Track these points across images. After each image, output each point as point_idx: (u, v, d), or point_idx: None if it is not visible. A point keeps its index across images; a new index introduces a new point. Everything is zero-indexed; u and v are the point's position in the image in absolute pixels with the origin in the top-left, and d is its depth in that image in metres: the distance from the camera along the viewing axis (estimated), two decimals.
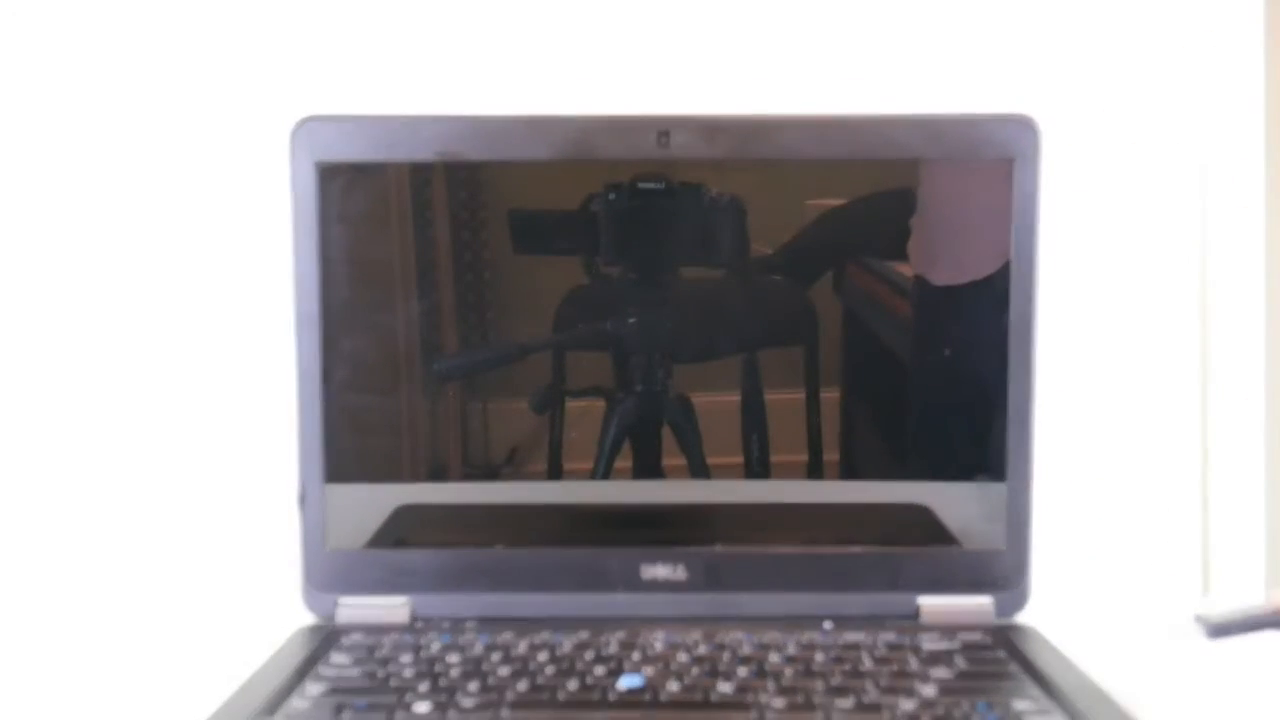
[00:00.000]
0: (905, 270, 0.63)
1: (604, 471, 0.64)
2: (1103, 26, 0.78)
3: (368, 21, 0.78)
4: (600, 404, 0.63)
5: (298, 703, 0.51)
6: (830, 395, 0.63)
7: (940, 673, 0.54)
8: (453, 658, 0.56)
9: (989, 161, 0.60)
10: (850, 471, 0.64)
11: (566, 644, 0.58)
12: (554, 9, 0.78)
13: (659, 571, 0.62)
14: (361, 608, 0.62)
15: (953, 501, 0.62)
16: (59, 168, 0.78)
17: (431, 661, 0.56)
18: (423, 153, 0.61)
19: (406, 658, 0.56)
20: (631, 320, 0.63)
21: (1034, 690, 0.52)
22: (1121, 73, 0.78)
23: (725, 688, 0.52)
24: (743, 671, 0.54)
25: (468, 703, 0.51)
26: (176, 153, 0.78)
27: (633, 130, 0.61)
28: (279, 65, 0.77)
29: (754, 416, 0.64)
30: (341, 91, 0.76)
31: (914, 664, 0.55)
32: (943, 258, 0.62)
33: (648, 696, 0.51)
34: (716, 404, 0.64)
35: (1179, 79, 0.78)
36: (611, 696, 0.51)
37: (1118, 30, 0.78)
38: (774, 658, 0.56)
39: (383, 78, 0.77)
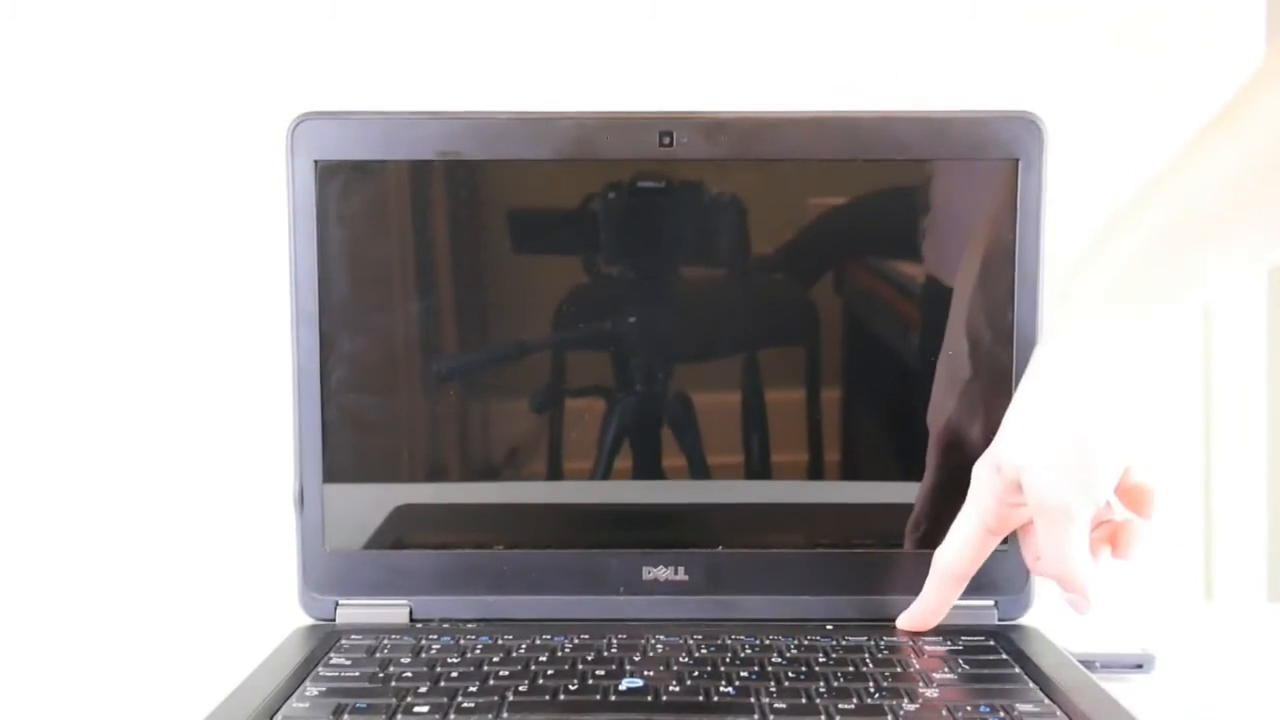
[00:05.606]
0: (907, 269, 0.62)
1: (604, 472, 0.63)
2: (1109, 24, 0.78)
3: (368, 19, 0.77)
4: (600, 404, 0.63)
5: (297, 704, 0.51)
6: (831, 395, 0.63)
7: (942, 675, 0.54)
8: (452, 659, 0.56)
9: (993, 160, 0.60)
10: (851, 472, 0.63)
11: (567, 645, 0.57)
12: (555, 7, 0.77)
13: (660, 573, 0.62)
14: (360, 609, 0.62)
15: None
16: (55, 166, 0.78)
17: (431, 663, 0.55)
18: (423, 151, 0.61)
19: (406, 659, 0.56)
20: (631, 320, 0.63)
21: (1036, 693, 0.52)
22: (1126, 70, 0.78)
23: (726, 689, 0.52)
24: (744, 673, 0.54)
25: (468, 704, 0.50)
26: (174, 150, 0.78)
27: (634, 129, 0.61)
28: (277, 62, 0.77)
29: (754, 416, 0.64)
30: (341, 88, 0.76)
31: (916, 666, 0.55)
32: (951, 257, 0.62)
33: (649, 698, 0.51)
34: (717, 404, 0.63)
35: (1183, 76, 0.78)
36: (612, 698, 0.51)
37: (1124, 27, 0.78)
38: (775, 659, 0.56)
39: (382, 75, 0.77)
